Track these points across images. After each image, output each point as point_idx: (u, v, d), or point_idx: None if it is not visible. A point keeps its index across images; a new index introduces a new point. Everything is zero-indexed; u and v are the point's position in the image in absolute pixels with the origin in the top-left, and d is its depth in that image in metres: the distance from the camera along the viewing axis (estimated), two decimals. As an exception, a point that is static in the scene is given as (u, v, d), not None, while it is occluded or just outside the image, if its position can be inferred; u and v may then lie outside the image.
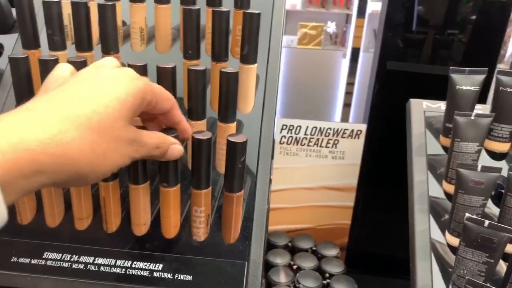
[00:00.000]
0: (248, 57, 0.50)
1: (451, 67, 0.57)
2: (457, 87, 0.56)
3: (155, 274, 0.45)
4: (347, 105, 2.65)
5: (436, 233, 0.53)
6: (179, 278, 0.45)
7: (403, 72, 0.82)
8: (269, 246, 0.81)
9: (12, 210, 0.48)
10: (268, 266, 0.75)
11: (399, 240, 0.62)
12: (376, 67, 0.81)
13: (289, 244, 0.82)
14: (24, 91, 0.47)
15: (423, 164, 0.59)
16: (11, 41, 0.62)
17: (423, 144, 0.61)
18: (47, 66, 0.44)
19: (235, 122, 0.49)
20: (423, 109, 0.64)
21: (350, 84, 2.68)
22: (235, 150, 0.43)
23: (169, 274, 0.45)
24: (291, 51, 2.85)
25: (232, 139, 0.42)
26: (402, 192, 0.58)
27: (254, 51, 0.50)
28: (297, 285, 0.71)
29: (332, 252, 0.80)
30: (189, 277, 0.45)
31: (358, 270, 0.75)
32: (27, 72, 0.46)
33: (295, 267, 0.76)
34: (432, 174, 0.58)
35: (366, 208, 0.86)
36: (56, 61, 0.45)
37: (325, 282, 0.73)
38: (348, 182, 0.83)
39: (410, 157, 0.60)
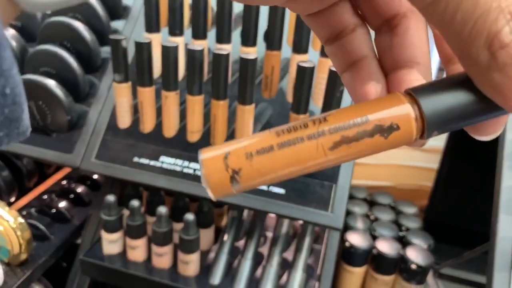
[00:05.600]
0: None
1: None
2: None
3: (253, 184, 0.51)
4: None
5: (524, 194, 0.52)
6: (272, 190, 0.51)
7: None
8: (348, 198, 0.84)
9: (136, 120, 0.56)
10: (346, 214, 0.79)
11: (481, 212, 0.61)
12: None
13: (368, 198, 0.85)
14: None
15: (519, 123, 0.58)
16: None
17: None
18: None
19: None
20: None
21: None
22: (336, 79, 0.47)
23: (264, 186, 0.51)
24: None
25: (334, 69, 0.46)
26: (492, 165, 0.56)
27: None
28: (373, 233, 0.74)
29: (410, 210, 0.81)
30: (282, 190, 0.51)
31: (433, 236, 0.75)
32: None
33: (372, 217, 0.79)
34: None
35: (451, 173, 0.85)
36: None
37: (401, 234, 0.75)
38: (435, 144, 0.83)
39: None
